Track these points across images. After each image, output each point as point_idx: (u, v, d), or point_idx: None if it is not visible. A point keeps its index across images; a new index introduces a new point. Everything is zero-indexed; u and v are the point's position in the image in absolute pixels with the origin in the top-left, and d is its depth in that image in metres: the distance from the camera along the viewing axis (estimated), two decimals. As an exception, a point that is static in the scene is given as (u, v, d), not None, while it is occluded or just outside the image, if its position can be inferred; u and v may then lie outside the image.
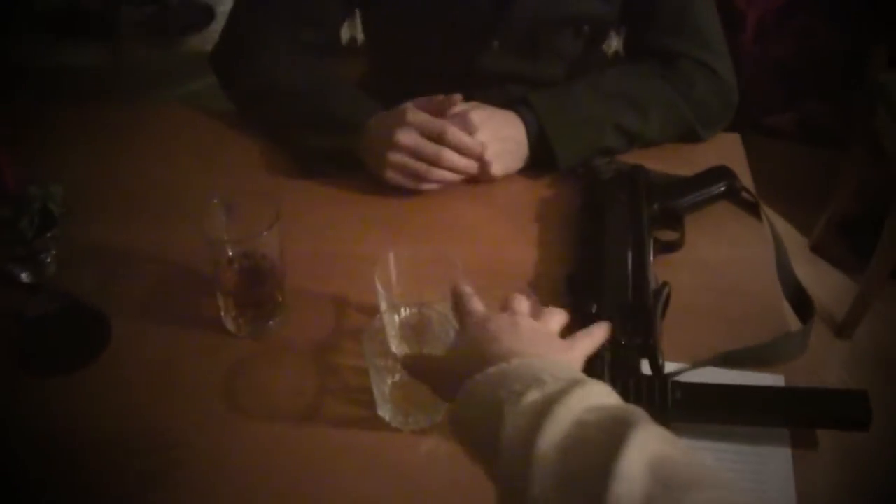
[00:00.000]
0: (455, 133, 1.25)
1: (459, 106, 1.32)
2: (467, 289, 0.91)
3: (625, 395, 0.95)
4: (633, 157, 1.34)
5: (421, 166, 1.25)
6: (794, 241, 2.51)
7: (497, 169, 1.32)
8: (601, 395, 0.63)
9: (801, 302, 1.16)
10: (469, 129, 1.28)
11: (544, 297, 1.12)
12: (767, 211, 1.27)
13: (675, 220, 1.22)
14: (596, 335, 0.91)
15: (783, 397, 1.00)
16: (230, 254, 1.09)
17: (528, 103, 1.34)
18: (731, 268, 1.20)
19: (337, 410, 1.03)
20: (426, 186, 1.28)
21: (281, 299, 1.13)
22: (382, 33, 1.57)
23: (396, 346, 1.06)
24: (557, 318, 0.90)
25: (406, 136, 1.24)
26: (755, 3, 2.57)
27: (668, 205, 1.22)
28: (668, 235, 1.20)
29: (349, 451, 0.99)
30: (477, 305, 0.87)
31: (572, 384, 0.61)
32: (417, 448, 1.00)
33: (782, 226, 2.45)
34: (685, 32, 1.40)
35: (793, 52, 2.65)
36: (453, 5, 1.38)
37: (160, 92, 2.09)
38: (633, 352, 1.03)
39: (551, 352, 0.75)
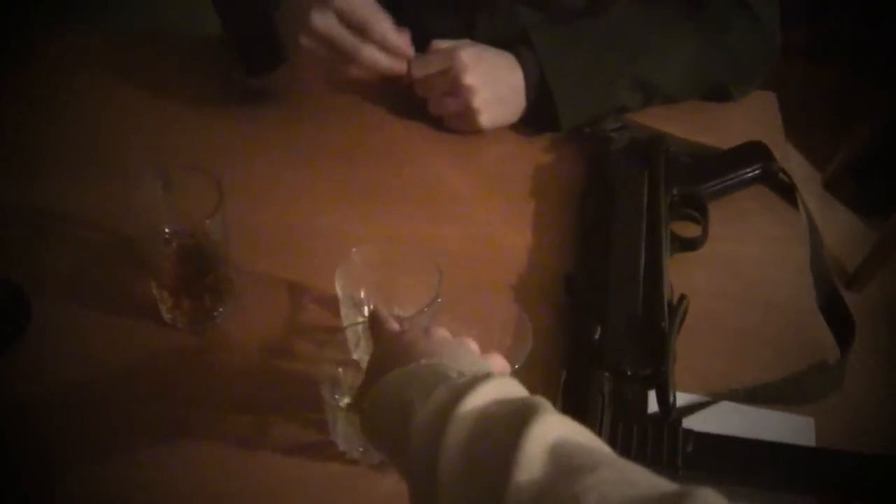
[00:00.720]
0: (382, 26, 1.03)
1: (446, 42, 1.11)
2: (384, 312, 0.80)
3: (626, 443, 0.82)
4: (646, 118, 1.15)
5: (335, 60, 1.04)
6: (806, 177, 2.32)
7: (486, 120, 1.12)
8: (509, 389, 0.61)
9: (838, 317, 0.99)
10: (456, 69, 1.08)
11: (538, 295, 0.97)
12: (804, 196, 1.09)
13: (697, 209, 1.03)
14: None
15: (813, 459, 0.84)
16: (166, 234, 0.91)
17: (528, 43, 1.12)
18: (758, 270, 1.03)
19: (286, 432, 0.87)
20: (341, 87, 1.10)
21: (226, 289, 0.95)
22: None
23: (358, 356, 0.88)
24: (496, 360, 0.75)
25: (322, 21, 1.01)
26: None
27: (691, 190, 1.03)
28: (687, 229, 1.02)
29: (297, 483, 0.84)
30: (393, 326, 0.79)
31: (479, 379, 0.60)
32: (377, 485, 0.84)
33: (796, 158, 2.28)
34: None
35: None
36: None
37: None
38: (639, 385, 0.86)
39: (463, 358, 0.70)
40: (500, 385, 0.60)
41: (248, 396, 0.89)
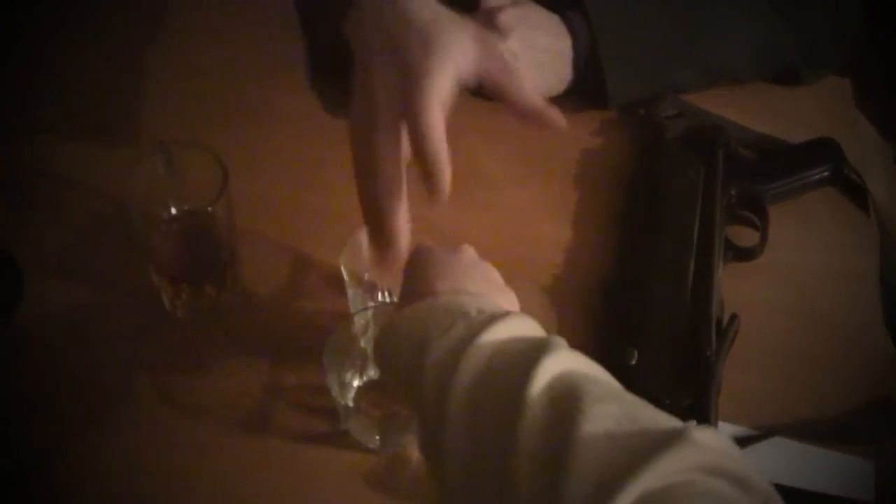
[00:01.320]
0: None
1: (494, 1, 1.00)
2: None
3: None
4: (706, 100, 1.04)
5: None
6: (879, 151, 2.18)
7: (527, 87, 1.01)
8: (525, 327, 0.60)
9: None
10: (496, 32, 0.97)
11: (571, 300, 0.88)
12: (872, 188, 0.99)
13: (756, 213, 0.93)
14: None
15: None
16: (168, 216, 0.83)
17: (581, 7, 1.01)
18: (821, 284, 0.92)
19: (298, 422, 0.81)
20: None
21: (231, 276, 0.87)
22: None
23: (366, 343, 0.82)
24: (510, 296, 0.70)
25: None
26: None
27: (752, 191, 0.93)
28: (744, 235, 0.93)
29: (313, 472, 0.78)
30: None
31: (497, 317, 0.59)
32: (398, 474, 0.79)
33: (867, 131, 2.14)
34: None
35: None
36: None
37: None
38: (677, 416, 0.77)
39: (487, 291, 0.67)
40: (517, 323, 0.59)
41: (250, 383, 0.84)
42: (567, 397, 0.50)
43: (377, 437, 0.78)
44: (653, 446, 0.45)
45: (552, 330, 0.75)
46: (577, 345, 0.77)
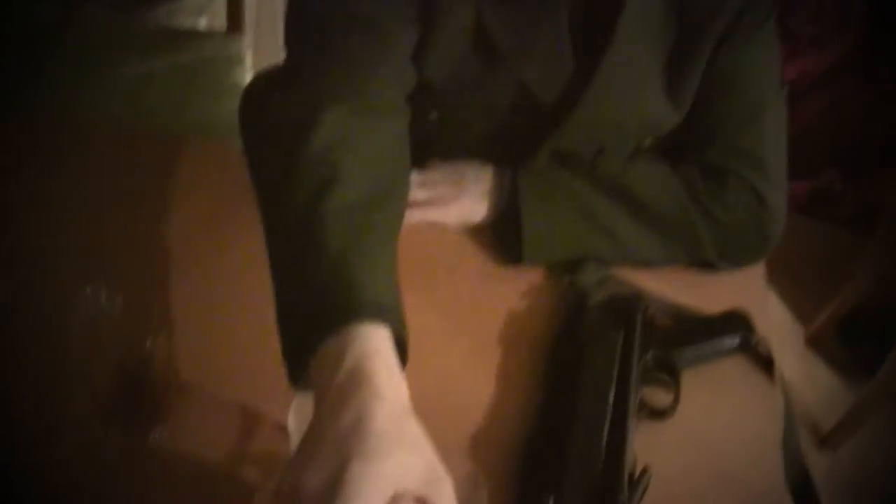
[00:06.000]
0: None
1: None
2: None
3: None
4: (627, 269, 1.12)
5: None
6: (790, 330, 2.28)
7: (443, 214, 1.13)
8: None
9: (807, 502, 0.93)
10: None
11: (489, 458, 0.90)
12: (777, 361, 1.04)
13: (670, 375, 0.98)
14: None
15: None
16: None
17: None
18: (727, 445, 0.97)
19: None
20: None
21: (162, 409, 0.89)
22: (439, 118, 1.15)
23: None
24: None
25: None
26: (789, 66, 2.36)
27: (667, 356, 0.99)
28: (658, 395, 0.97)
29: None
30: None
31: None
32: None
33: (779, 312, 2.24)
34: (744, 150, 1.12)
35: (819, 122, 2.43)
36: (514, 106, 1.10)
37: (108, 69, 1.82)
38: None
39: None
40: None
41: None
42: None
43: None
44: None
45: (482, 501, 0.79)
46: (498, 491, 0.81)
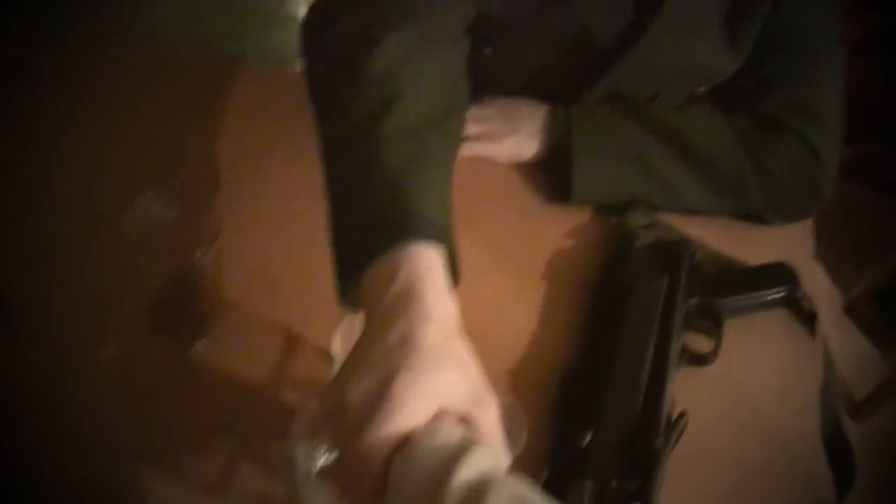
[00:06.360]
0: None
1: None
2: None
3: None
4: (675, 217, 1.11)
5: None
6: (828, 297, 2.26)
7: (495, 149, 1.14)
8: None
9: (840, 459, 0.93)
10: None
11: (533, 386, 0.92)
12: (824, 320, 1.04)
13: (712, 323, 0.98)
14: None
15: None
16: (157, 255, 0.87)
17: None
18: (765, 397, 0.97)
19: (251, 483, 0.82)
20: None
21: (208, 323, 0.91)
22: (494, 53, 1.14)
23: None
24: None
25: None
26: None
27: (710, 303, 0.98)
28: (699, 342, 0.97)
29: None
30: None
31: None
32: None
33: (818, 277, 2.22)
34: (800, 103, 1.11)
35: (860, 87, 2.40)
36: (570, 45, 1.10)
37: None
38: (621, 499, 0.81)
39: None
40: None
41: (214, 439, 0.85)
42: (481, 485, 0.53)
43: None
44: None
45: (521, 431, 0.79)
46: (540, 427, 0.82)
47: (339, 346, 0.83)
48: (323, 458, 0.77)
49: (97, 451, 0.84)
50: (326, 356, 0.87)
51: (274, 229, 1.02)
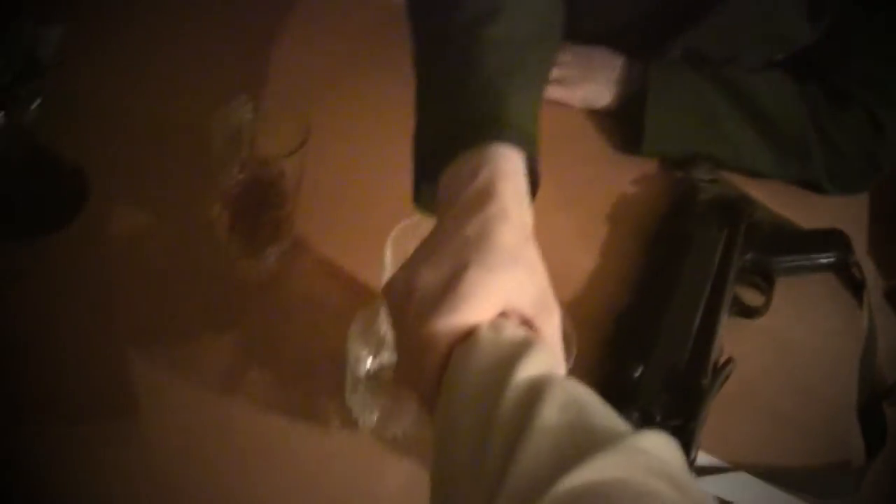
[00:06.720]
0: None
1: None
2: None
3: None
4: (736, 177, 1.14)
5: None
6: (870, 280, 2.26)
7: (569, 94, 1.16)
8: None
9: (872, 424, 0.96)
10: None
11: (587, 320, 0.95)
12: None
13: (765, 279, 1.01)
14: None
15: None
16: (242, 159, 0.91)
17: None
18: (807, 356, 1.00)
19: (297, 389, 0.87)
20: None
21: (285, 230, 0.95)
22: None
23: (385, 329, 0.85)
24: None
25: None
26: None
27: (764, 260, 1.02)
28: (750, 296, 1.01)
29: (297, 449, 0.83)
30: None
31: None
32: (385, 473, 0.83)
33: (864, 259, 2.22)
34: (870, 77, 1.12)
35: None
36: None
37: None
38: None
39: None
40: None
41: (271, 342, 0.89)
42: (541, 383, 0.52)
43: (375, 417, 0.83)
44: (597, 443, 0.46)
45: (572, 344, 0.81)
46: (592, 357, 0.85)
47: (390, 255, 0.84)
48: (371, 363, 0.81)
49: (163, 340, 0.88)
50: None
51: (355, 143, 1.07)
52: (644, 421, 0.84)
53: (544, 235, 0.97)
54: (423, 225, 0.77)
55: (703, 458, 0.86)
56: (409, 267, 0.62)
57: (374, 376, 0.79)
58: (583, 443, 0.47)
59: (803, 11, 1.10)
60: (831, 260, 1.05)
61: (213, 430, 0.82)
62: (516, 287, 0.60)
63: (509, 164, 0.67)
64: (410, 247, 0.69)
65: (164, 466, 0.79)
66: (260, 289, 0.93)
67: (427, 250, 0.63)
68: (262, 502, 0.79)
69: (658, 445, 0.47)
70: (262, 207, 0.93)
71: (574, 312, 0.92)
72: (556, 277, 0.94)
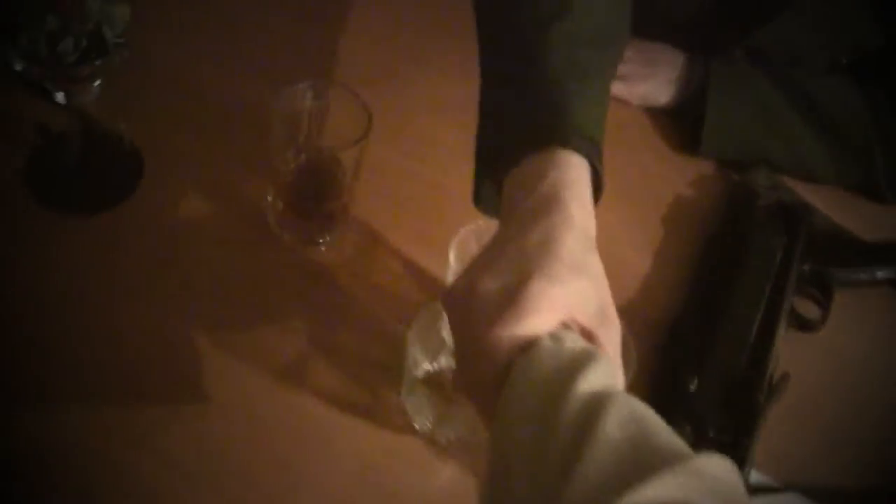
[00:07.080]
0: None
1: None
2: None
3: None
4: (793, 182, 1.11)
5: None
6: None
7: (628, 91, 1.14)
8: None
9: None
10: None
11: (642, 329, 0.93)
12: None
13: (823, 291, 0.99)
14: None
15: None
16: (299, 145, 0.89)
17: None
18: (868, 371, 0.98)
19: (351, 383, 0.86)
20: None
21: (339, 219, 0.93)
22: None
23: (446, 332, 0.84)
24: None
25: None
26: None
27: (824, 271, 0.99)
28: (807, 308, 0.98)
29: (350, 443, 0.82)
30: None
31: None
32: (435, 473, 0.82)
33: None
34: None
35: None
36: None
37: None
38: (717, 450, 0.83)
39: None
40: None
41: (327, 332, 0.88)
42: (602, 396, 0.52)
43: (430, 420, 0.81)
44: (659, 462, 0.46)
45: (631, 358, 0.80)
46: (646, 367, 0.84)
47: (454, 255, 0.84)
48: (429, 366, 0.81)
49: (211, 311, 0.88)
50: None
51: (419, 138, 1.06)
52: (697, 436, 0.83)
53: (608, 235, 0.95)
54: (487, 230, 0.76)
55: (755, 477, 0.85)
56: (471, 273, 0.61)
57: (431, 379, 0.77)
58: (645, 460, 0.47)
59: (873, 17, 1.07)
60: (891, 275, 1.02)
61: (272, 419, 0.82)
62: (579, 298, 0.59)
63: (576, 172, 0.66)
64: (475, 250, 0.69)
65: (225, 454, 0.79)
66: (316, 279, 0.92)
67: (489, 256, 0.62)
68: (323, 490, 0.79)
69: (720, 469, 0.47)
70: (316, 197, 0.92)
71: (626, 318, 0.91)
72: (608, 278, 0.93)
